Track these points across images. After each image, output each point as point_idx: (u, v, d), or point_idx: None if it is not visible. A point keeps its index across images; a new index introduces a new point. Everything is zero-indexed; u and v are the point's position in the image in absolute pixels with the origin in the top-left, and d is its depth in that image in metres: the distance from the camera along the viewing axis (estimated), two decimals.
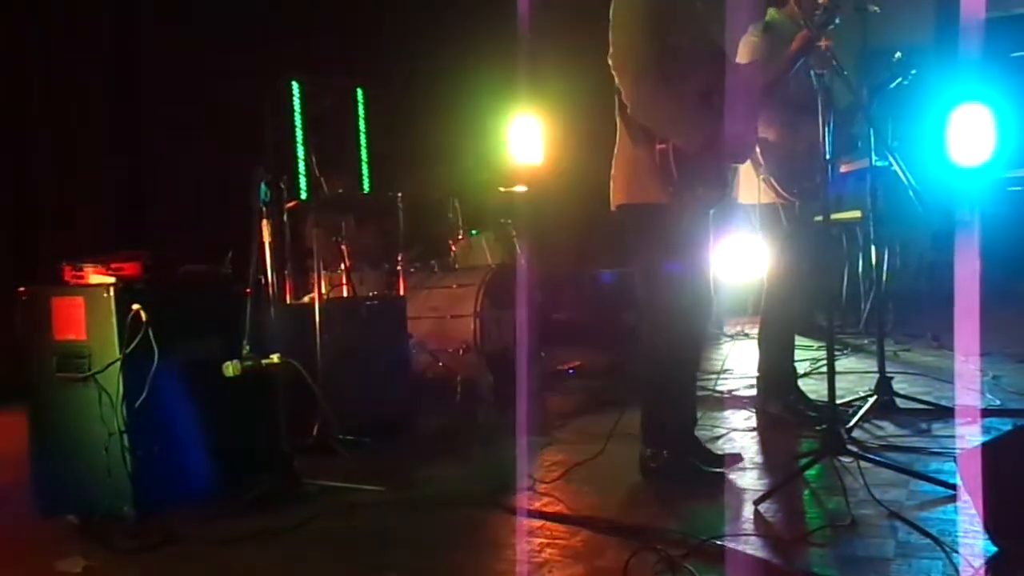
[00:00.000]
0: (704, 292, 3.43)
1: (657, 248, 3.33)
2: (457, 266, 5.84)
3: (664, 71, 3.18)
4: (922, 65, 4.21)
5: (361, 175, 8.33)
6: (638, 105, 3.21)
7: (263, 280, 3.56)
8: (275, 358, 3.37)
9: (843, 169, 5.74)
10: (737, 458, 3.52)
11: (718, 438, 3.99)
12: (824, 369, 3.25)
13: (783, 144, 4.05)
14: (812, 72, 3.36)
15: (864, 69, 4.70)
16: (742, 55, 4.07)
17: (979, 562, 2.45)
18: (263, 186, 3.53)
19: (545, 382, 5.40)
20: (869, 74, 4.39)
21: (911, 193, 3.42)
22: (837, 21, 3.31)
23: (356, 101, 8.48)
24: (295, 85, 7.64)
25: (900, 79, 4.22)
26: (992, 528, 2.48)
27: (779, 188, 4.06)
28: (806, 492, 3.19)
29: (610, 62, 3.27)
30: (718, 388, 5.08)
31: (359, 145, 8.42)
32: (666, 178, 3.20)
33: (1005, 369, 5.07)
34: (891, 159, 3.69)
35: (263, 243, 3.54)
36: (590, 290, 7.75)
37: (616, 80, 3.25)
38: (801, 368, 4.74)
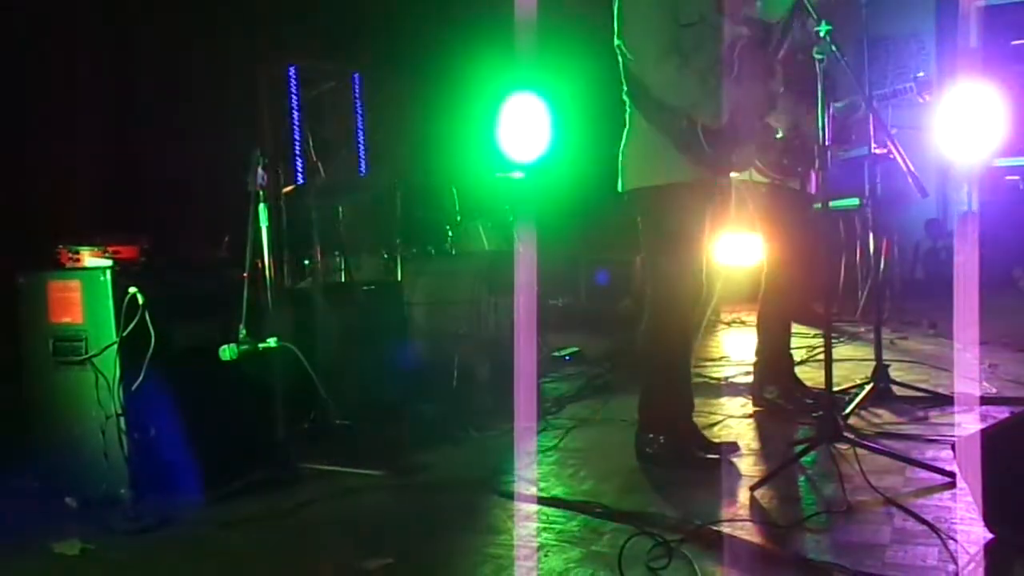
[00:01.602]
0: (704, 277, 3.43)
1: (668, 232, 3.32)
2: (454, 252, 5.83)
3: (681, 49, 3.18)
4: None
5: (358, 160, 8.31)
6: (662, 84, 3.19)
7: (260, 264, 3.56)
8: (272, 342, 3.37)
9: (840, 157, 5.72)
10: (733, 446, 3.53)
11: (715, 424, 4.00)
12: (821, 356, 3.25)
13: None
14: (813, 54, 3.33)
15: (864, 56, 4.68)
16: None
17: (975, 549, 2.45)
18: (260, 170, 3.51)
19: (542, 368, 5.39)
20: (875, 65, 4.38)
21: (910, 180, 3.40)
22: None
23: (353, 86, 8.45)
24: (292, 70, 7.62)
25: (919, 97, 4.25)
26: (988, 515, 2.49)
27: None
28: (802, 478, 3.20)
29: (620, 44, 3.24)
30: (715, 375, 5.09)
31: (356, 130, 8.40)
32: (697, 154, 3.22)
33: (1002, 357, 5.07)
34: (891, 146, 3.67)
35: (260, 227, 3.53)
36: (587, 276, 7.74)
37: (630, 64, 3.23)
38: (798, 355, 4.75)
